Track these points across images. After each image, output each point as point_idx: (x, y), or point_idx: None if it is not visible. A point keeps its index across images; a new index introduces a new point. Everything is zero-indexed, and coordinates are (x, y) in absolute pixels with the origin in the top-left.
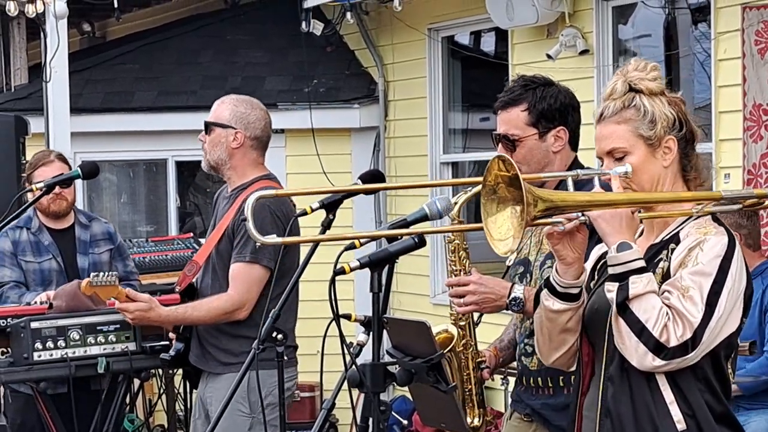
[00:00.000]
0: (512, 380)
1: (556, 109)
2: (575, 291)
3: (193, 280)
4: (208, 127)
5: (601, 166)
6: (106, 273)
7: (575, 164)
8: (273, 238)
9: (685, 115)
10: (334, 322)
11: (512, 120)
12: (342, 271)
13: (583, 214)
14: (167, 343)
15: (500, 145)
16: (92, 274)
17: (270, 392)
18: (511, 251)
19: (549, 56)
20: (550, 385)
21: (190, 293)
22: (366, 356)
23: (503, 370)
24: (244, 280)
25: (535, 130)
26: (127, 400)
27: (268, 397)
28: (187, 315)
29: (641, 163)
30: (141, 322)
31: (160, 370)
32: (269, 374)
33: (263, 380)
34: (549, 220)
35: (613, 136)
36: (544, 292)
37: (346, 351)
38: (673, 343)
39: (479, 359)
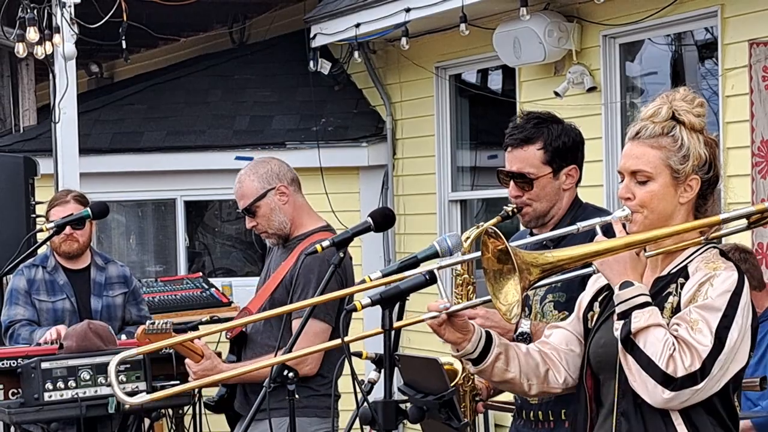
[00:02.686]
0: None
1: (569, 148)
2: (474, 356)
3: (244, 328)
4: (251, 210)
5: (621, 182)
6: (162, 321)
7: (576, 202)
8: None
9: (716, 159)
10: (345, 359)
11: (528, 158)
12: (353, 309)
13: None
14: (177, 382)
15: (512, 182)
16: (148, 322)
17: None
18: (517, 315)
19: (556, 93)
20: (551, 418)
21: (241, 341)
22: (378, 393)
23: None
24: (304, 335)
25: (550, 168)
26: None
27: None
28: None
29: (660, 192)
30: (203, 379)
31: (170, 410)
32: (308, 422)
33: (304, 428)
34: (551, 279)
35: (643, 159)
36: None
37: (357, 388)
38: (681, 373)
39: (474, 392)
